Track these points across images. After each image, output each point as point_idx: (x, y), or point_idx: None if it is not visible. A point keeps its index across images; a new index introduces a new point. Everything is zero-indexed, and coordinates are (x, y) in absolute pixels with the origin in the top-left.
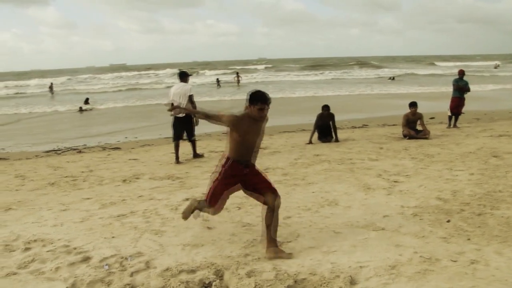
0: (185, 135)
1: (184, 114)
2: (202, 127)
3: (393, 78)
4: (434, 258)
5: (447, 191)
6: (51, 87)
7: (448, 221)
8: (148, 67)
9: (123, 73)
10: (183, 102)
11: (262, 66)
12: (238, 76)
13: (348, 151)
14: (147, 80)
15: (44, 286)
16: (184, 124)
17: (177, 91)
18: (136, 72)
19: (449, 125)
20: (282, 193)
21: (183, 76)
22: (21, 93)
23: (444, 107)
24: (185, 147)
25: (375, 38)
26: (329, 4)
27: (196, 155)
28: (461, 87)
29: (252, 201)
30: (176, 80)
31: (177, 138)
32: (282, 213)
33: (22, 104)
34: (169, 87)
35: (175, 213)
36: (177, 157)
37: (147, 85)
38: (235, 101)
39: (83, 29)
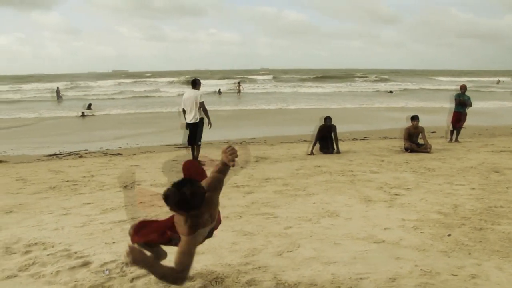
0: None
1: (197, 120)
2: (204, 135)
3: (391, 92)
4: (435, 272)
5: (448, 205)
6: (57, 92)
7: (449, 235)
8: (150, 74)
9: (125, 80)
10: (194, 108)
11: (264, 76)
12: (239, 86)
13: (349, 163)
14: (148, 87)
15: None
16: (193, 129)
17: (188, 98)
18: (137, 79)
19: (451, 139)
20: (282, 203)
21: (195, 84)
22: (23, 97)
23: (446, 121)
24: (186, 155)
25: (377, 50)
26: (331, 16)
27: (198, 162)
28: (463, 102)
29: (253, 210)
30: (177, 88)
31: (189, 141)
32: (282, 223)
33: (23, 108)
34: (180, 94)
35: None
36: (193, 157)
37: (148, 92)
38: (234, 111)
39: (85, 34)
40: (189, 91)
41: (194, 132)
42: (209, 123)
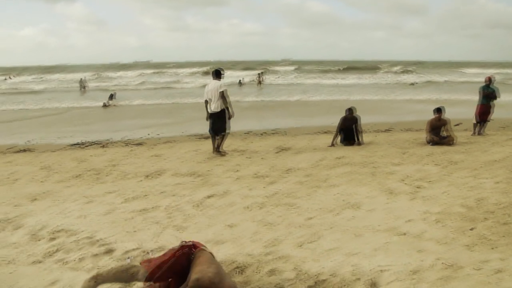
0: None
1: (218, 110)
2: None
3: (413, 84)
4: (457, 265)
5: (471, 198)
6: (81, 82)
7: (472, 229)
8: (172, 65)
9: (147, 70)
10: (216, 98)
11: (286, 67)
12: (259, 77)
13: (371, 155)
14: (170, 78)
15: (68, 275)
16: (215, 118)
17: (211, 88)
18: (160, 70)
19: (475, 132)
20: (304, 194)
21: (217, 74)
22: (48, 87)
23: (470, 114)
24: (207, 145)
25: (402, 41)
26: (354, 7)
27: (219, 152)
28: (488, 94)
29: (274, 201)
30: (199, 79)
31: (211, 131)
32: (303, 213)
33: (48, 98)
34: (203, 85)
35: (197, 210)
36: (213, 148)
37: (170, 83)
38: (256, 102)
39: (109, 25)
40: (211, 82)
41: (216, 122)
42: (229, 113)
